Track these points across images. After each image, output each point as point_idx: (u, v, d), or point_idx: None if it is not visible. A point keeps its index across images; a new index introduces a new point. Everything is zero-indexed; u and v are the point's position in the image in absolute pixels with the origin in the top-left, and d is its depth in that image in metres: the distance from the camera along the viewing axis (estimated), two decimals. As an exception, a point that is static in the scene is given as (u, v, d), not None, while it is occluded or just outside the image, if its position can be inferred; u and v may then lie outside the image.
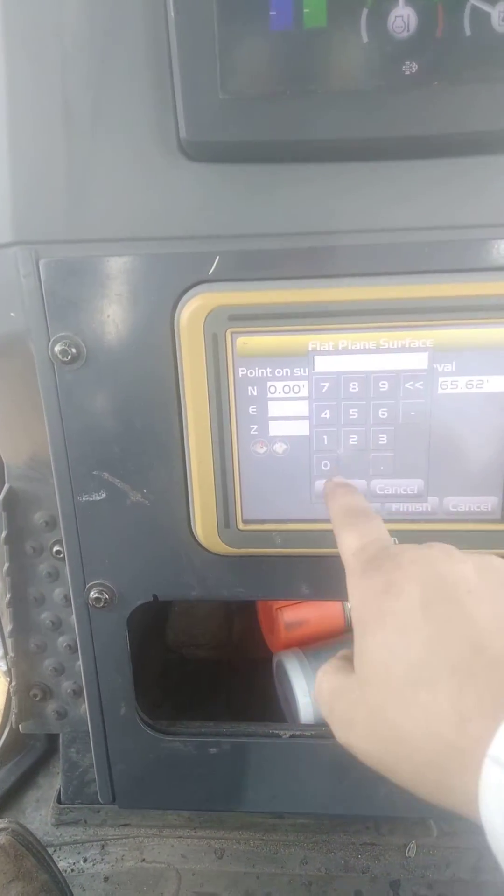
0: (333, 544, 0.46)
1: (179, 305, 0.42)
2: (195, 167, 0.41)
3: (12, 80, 0.41)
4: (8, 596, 0.63)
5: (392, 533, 0.45)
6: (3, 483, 0.61)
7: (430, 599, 0.28)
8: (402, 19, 0.36)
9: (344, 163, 0.40)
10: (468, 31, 0.36)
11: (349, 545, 0.34)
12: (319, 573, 0.48)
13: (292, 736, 0.54)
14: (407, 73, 0.37)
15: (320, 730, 0.55)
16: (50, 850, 0.67)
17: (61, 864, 0.74)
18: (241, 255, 0.41)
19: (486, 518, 0.44)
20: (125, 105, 0.40)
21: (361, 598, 0.31)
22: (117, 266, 0.42)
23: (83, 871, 0.76)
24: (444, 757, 0.25)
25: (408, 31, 0.36)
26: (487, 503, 0.44)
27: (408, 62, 0.37)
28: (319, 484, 0.45)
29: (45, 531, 0.62)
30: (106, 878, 0.75)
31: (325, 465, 0.45)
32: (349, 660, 0.32)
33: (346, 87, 0.37)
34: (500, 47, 0.36)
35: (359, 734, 0.29)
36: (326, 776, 0.55)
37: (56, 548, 0.62)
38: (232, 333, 0.42)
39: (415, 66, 0.37)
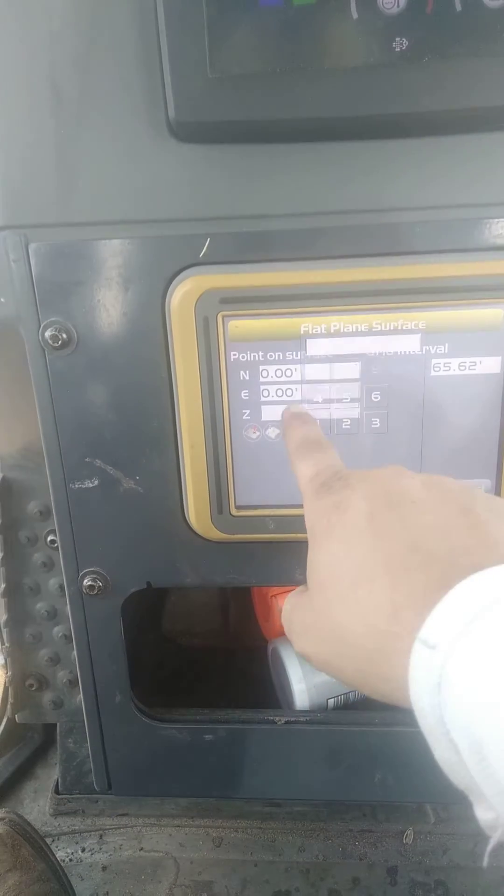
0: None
1: (170, 289, 0.42)
2: (185, 148, 0.40)
3: (0, 62, 0.40)
4: (2, 586, 0.63)
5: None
6: (-3, 473, 0.60)
7: (376, 509, 0.29)
8: None
9: (335, 142, 0.40)
10: (459, 7, 0.35)
11: (304, 472, 0.35)
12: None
13: (287, 722, 0.54)
14: (397, 49, 0.36)
15: (315, 716, 0.55)
16: (48, 841, 0.67)
17: (59, 854, 0.75)
18: (232, 237, 0.41)
19: (480, 501, 0.44)
20: (114, 87, 0.40)
21: (313, 516, 0.32)
22: (107, 250, 0.42)
23: (81, 861, 0.77)
24: (381, 645, 0.26)
25: (398, 7, 0.36)
26: (481, 485, 0.44)
27: (398, 38, 0.36)
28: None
29: (39, 521, 0.61)
30: (104, 868, 0.76)
31: (319, 449, 0.45)
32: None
33: (337, 65, 0.37)
34: (491, 23, 0.35)
35: (310, 640, 0.31)
36: (322, 762, 0.55)
37: (50, 537, 0.61)
38: (223, 317, 0.42)
39: (405, 43, 0.36)
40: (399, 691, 0.25)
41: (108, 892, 0.74)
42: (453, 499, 0.30)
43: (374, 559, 0.28)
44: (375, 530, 0.29)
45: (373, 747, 0.54)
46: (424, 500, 0.30)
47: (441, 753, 0.24)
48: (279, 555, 0.48)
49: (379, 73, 0.37)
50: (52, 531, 0.60)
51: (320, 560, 0.30)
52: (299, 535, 0.47)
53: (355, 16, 0.36)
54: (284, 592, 0.61)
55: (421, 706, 0.23)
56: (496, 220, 0.39)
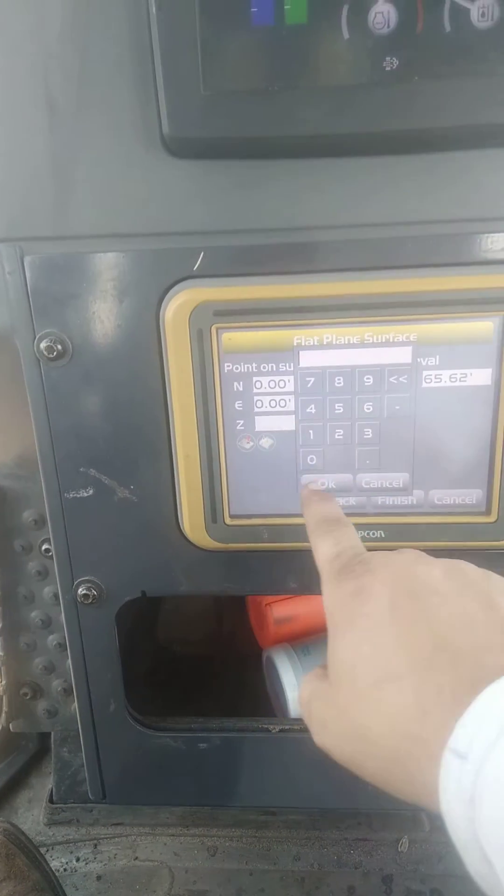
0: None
1: (164, 301, 0.42)
2: (179, 163, 0.41)
3: None
4: (-3, 595, 0.63)
5: (378, 526, 0.46)
6: (-8, 481, 0.60)
7: (398, 601, 0.29)
8: (383, 15, 0.36)
9: (326, 158, 0.40)
10: (448, 27, 0.36)
11: (324, 552, 0.35)
12: (307, 567, 0.48)
13: (281, 730, 0.54)
14: (388, 68, 0.37)
15: (309, 724, 0.55)
16: (42, 850, 0.67)
17: (54, 864, 0.74)
18: (226, 251, 0.42)
19: (471, 511, 0.45)
20: (108, 102, 0.40)
21: (334, 602, 0.32)
22: (102, 262, 0.42)
23: (76, 871, 0.76)
24: (407, 750, 0.26)
25: (388, 27, 0.36)
26: (472, 496, 0.44)
27: (388, 58, 0.37)
28: (306, 478, 0.46)
29: (33, 530, 0.61)
30: (99, 877, 0.75)
31: (312, 459, 0.45)
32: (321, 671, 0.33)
33: (328, 83, 0.38)
34: (479, 43, 0.36)
35: (331, 734, 0.30)
36: (316, 770, 0.55)
37: (45, 546, 0.62)
38: (217, 329, 0.42)
39: (395, 62, 0.37)
40: (427, 797, 0.25)
41: (102, 902, 0.73)
42: (476, 590, 0.29)
43: (399, 656, 0.27)
44: (399, 624, 0.28)
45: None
46: (447, 592, 0.29)
47: (475, 867, 0.23)
48: (273, 563, 0.49)
49: (369, 92, 0.37)
50: (47, 540, 0.61)
51: (342, 651, 0.30)
52: (293, 545, 0.47)
53: (346, 35, 0.37)
54: (279, 601, 0.62)
55: (452, 817, 0.23)
56: (486, 234, 0.40)
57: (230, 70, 0.38)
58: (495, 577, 0.31)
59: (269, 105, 0.38)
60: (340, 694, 0.29)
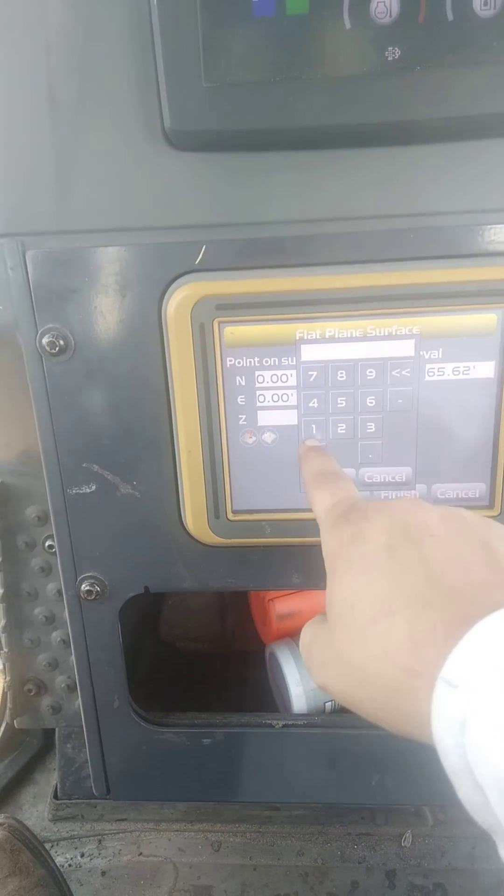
0: (323, 533, 0.47)
1: (166, 296, 0.42)
2: (180, 156, 0.41)
3: None
4: (1, 591, 0.63)
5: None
6: (-5, 478, 0.60)
7: (394, 543, 0.30)
8: (384, 5, 0.36)
9: (328, 150, 0.40)
10: (450, 16, 0.36)
11: (321, 502, 0.36)
12: (310, 562, 0.48)
13: (285, 725, 0.54)
14: (390, 58, 0.37)
15: (312, 719, 0.55)
16: (47, 846, 0.67)
17: (58, 860, 0.75)
18: (228, 245, 0.41)
19: (475, 504, 0.44)
20: (110, 95, 0.40)
21: (332, 548, 0.32)
22: (104, 257, 0.42)
23: (80, 866, 0.76)
24: (401, 683, 0.26)
25: (390, 16, 0.36)
26: (475, 490, 0.44)
27: (390, 48, 0.36)
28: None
29: (37, 526, 0.61)
30: (103, 873, 0.76)
31: (314, 454, 0.45)
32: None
33: (330, 74, 0.37)
34: (481, 32, 0.36)
35: (329, 673, 0.31)
36: (319, 765, 0.55)
37: (48, 542, 0.62)
38: (219, 323, 0.42)
39: (397, 52, 0.37)
40: (421, 728, 0.25)
41: (107, 897, 0.73)
42: (472, 533, 0.30)
43: (394, 594, 0.28)
44: (395, 564, 0.29)
45: (370, 750, 0.55)
46: (443, 535, 0.30)
47: (465, 794, 0.23)
48: (276, 559, 0.49)
49: (372, 82, 0.37)
50: (51, 536, 0.61)
51: (339, 593, 0.30)
52: (295, 540, 0.47)
53: (348, 25, 0.36)
54: (281, 596, 0.61)
55: (444, 746, 0.23)
56: (489, 226, 0.40)
57: (232, 62, 0.38)
58: (496, 524, 0.31)
59: (271, 97, 0.38)
60: (338, 633, 0.30)
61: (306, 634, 0.34)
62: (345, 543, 0.31)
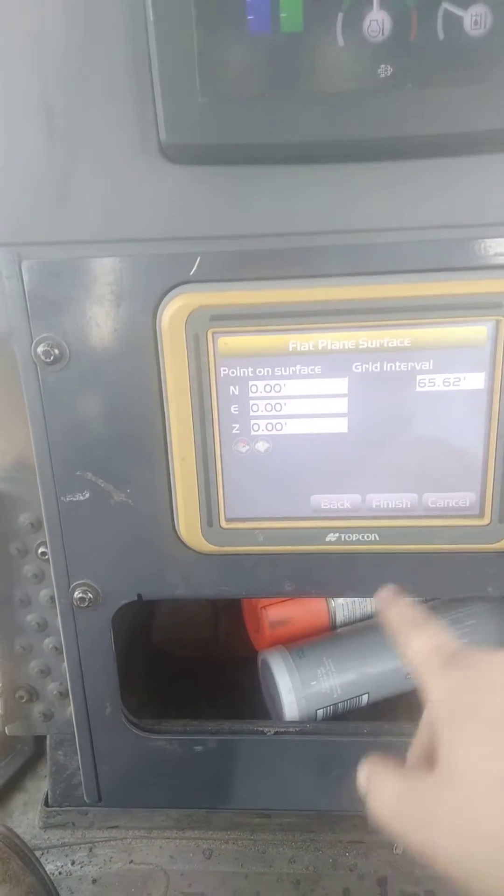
0: (315, 542, 0.47)
1: (161, 306, 0.43)
2: (176, 169, 0.41)
3: None
4: (-7, 597, 0.63)
5: (372, 530, 0.46)
6: (-12, 485, 0.61)
7: None
8: (377, 23, 0.37)
9: (322, 164, 0.40)
10: (441, 35, 0.36)
11: (422, 646, 0.34)
12: (302, 570, 0.49)
13: (276, 732, 0.54)
14: (382, 76, 0.37)
15: (304, 726, 0.55)
16: (38, 854, 0.67)
17: (49, 867, 0.74)
18: (223, 256, 0.42)
19: (465, 514, 0.45)
20: (106, 108, 0.41)
21: (447, 692, 0.30)
22: (99, 267, 0.42)
23: (71, 874, 0.76)
24: None
25: (382, 34, 0.37)
26: (466, 499, 0.45)
27: (383, 65, 0.37)
28: (301, 483, 0.46)
29: (30, 533, 0.62)
30: (94, 881, 0.75)
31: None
32: (397, 767, 0.32)
33: (323, 91, 0.38)
34: (472, 50, 0.36)
35: (443, 834, 0.28)
36: (311, 772, 0.55)
37: (41, 549, 0.62)
38: (213, 333, 0.43)
39: (390, 69, 0.37)
40: None
41: (97, 906, 0.73)
42: None
43: None
44: None
45: (362, 757, 0.55)
46: None
47: None
48: (269, 566, 0.49)
49: (364, 99, 0.38)
50: (43, 543, 0.61)
51: (463, 745, 0.28)
52: (288, 548, 0.48)
53: (341, 43, 0.37)
54: (274, 604, 0.62)
55: None
56: (480, 240, 0.41)
57: (227, 77, 0.38)
58: None
59: (265, 112, 0.38)
60: (460, 787, 0.28)
61: (388, 789, 0.31)
62: (465, 690, 0.30)
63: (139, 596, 0.50)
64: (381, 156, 0.40)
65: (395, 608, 0.38)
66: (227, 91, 0.38)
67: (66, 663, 0.53)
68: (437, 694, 0.31)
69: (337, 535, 0.47)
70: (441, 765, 0.29)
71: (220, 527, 0.47)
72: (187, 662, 0.73)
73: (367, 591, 0.50)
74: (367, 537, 0.46)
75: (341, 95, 0.38)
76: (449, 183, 0.41)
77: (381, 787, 0.32)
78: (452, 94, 0.37)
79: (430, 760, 0.31)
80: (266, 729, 0.54)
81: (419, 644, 0.34)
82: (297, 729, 0.54)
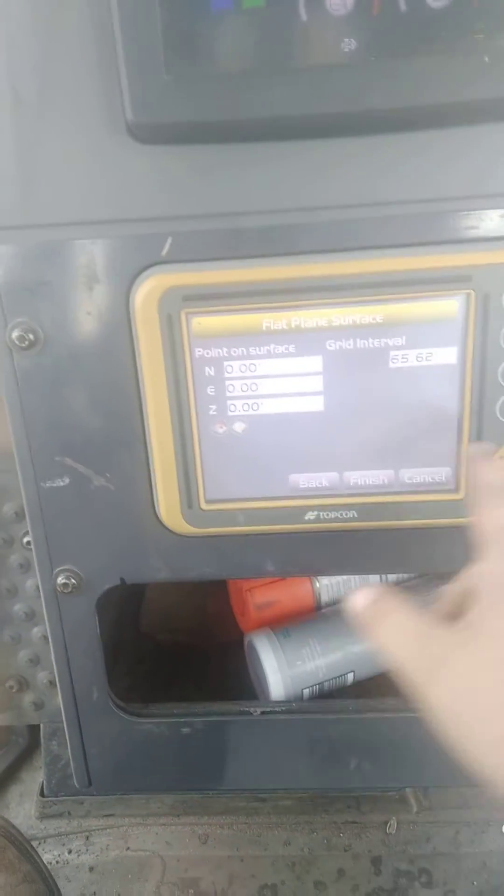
0: (295, 521, 0.47)
1: (134, 288, 0.43)
2: (143, 149, 0.41)
3: None
4: (-21, 588, 0.63)
5: (350, 507, 0.46)
6: (-29, 475, 0.60)
7: None
8: None
9: (288, 141, 0.40)
10: (403, 8, 0.36)
11: (499, 516, 0.33)
12: (283, 549, 0.49)
13: (263, 713, 0.54)
14: (346, 49, 0.37)
15: (290, 706, 0.55)
16: (34, 844, 0.67)
17: (46, 857, 0.75)
18: (194, 236, 0.42)
19: (441, 489, 0.45)
20: (72, 89, 0.41)
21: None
22: (70, 250, 0.42)
23: (68, 863, 0.77)
24: None
25: (345, 8, 0.37)
26: (441, 474, 0.45)
27: (346, 39, 0.37)
28: (278, 462, 0.46)
29: (14, 522, 0.62)
30: (91, 868, 0.76)
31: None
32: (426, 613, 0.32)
33: (287, 66, 0.38)
34: (434, 23, 0.36)
35: (450, 679, 0.28)
36: (299, 751, 0.56)
37: (26, 539, 0.62)
38: (187, 314, 0.43)
39: (353, 43, 0.37)
40: None
41: (95, 893, 0.74)
42: None
43: None
44: None
45: (348, 734, 0.55)
46: None
47: None
48: (250, 547, 0.49)
49: (329, 74, 0.38)
50: (28, 532, 0.61)
51: (500, 614, 0.29)
52: (268, 528, 0.48)
53: (304, 18, 0.37)
54: (259, 587, 0.62)
55: None
56: (448, 213, 0.41)
57: (191, 55, 0.38)
58: None
59: (230, 89, 0.38)
60: (490, 649, 0.28)
61: (411, 622, 0.31)
62: None
63: (122, 580, 0.50)
64: (348, 131, 0.40)
65: (490, 472, 0.37)
66: (192, 68, 0.38)
67: (52, 650, 0.53)
68: (494, 564, 0.31)
69: (316, 513, 0.47)
70: (472, 625, 0.29)
71: (200, 508, 0.47)
72: (176, 647, 0.73)
73: (348, 568, 0.51)
74: (346, 514, 0.46)
75: (306, 70, 0.38)
76: (416, 157, 0.40)
77: (395, 618, 0.32)
78: (416, 66, 0.37)
79: (453, 620, 0.30)
80: (253, 709, 0.54)
81: (500, 514, 0.33)
82: (284, 708, 0.55)
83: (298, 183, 0.41)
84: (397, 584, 0.64)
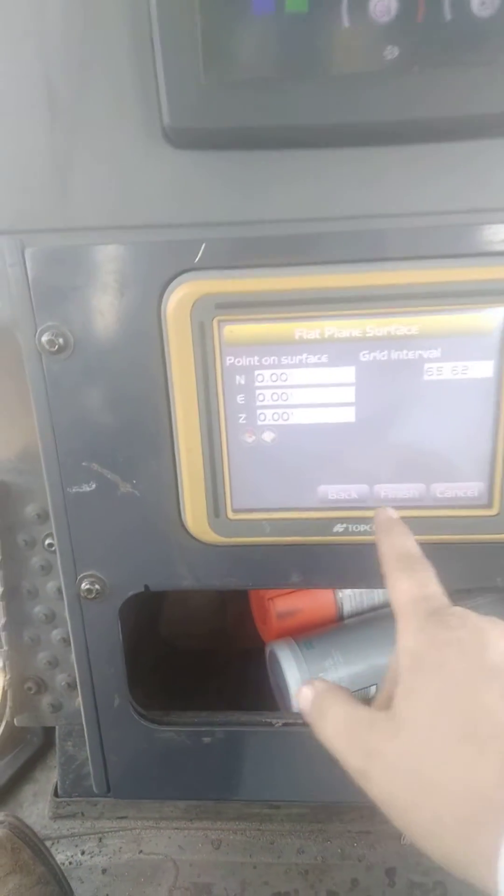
0: (323, 532, 0.47)
1: (166, 294, 0.42)
2: (179, 154, 0.41)
3: None
4: (1, 589, 0.63)
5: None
6: (-6, 476, 0.60)
7: (498, 666, 0.29)
8: (384, 4, 0.36)
9: (327, 148, 0.40)
10: (448, 16, 0.36)
11: (407, 590, 0.34)
12: (310, 561, 0.48)
13: (285, 724, 0.54)
14: (388, 57, 0.37)
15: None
16: (48, 844, 0.67)
17: (59, 858, 0.75)
18: (228, 243, 0.41)
19: (473, 504, 0.45)
20: (109, 92, 0.40)
21: (423, 643, 0.31)
22: (103, 255, 0.42)
23: (81, 864, 0.77)
24: (475, 813, 0.25)
25: (389, 15, 0.36)
26: (474, 489, 0.44)
27: (389, 47, 0.36)
28: (308, 473, 0.45)
29: (37, 524, 0.61)
30: (104, 871, 0.76)
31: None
32: (354, 697, 0.33)
33: (328, 73, 0.37)
34: (479, 32, 0.36)
35: (381, 768, 0.29)
36: (320, 764, 0.55)
37: (48, 541, 0.62)
38: (219, 322, 0.42)
39: (396, 51, 0.36)
40: (481, 869, 0.24)
41: (107, 895, 0.74)
42: None
43: (490, 719, 0.27)
44: (494, 691, 0.28)
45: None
46: None
47: None
48: (276, 557, 0.49)
49: (370, 81, 0.37)
50: (50, 535, 0.61)
51: (424, 695, 0.29)
52: (295, 539, 0.47)
53: (346, 24, 0.36)
54: (281, 595, 0.62)
55: None
56: (488, 225, 0.40)
57: (231, 59, 0.38)
58: None
59: (269, 94, 0.38)
60: (411, 734, 0.29)
61: (340, 709, 0.33)
62: (440, 645, 0.30)
63: (146, 587, 0.50)
64: (388, 139, 0.39)
65: (392, 538, 0.37)
66: (230, 73, 0.38)
67: (73, 655, 0.53)
68: (408, 642, 0.32)
69: (344, 525, 0.46)
70: (395, 708, 0.30)
71: (227, 517, 0.47)
72: (194, 654, 0.73)
73: (375, 582, 0.50)
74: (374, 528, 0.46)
75: (347, 78, 0.37)
76: (457, 167, 0.40)
77: (331, 706, 0.33)
78: (460, 76, 0.37)
79: (387, 705, 0.31)
80: (274, 720, 0.54)
81: (407, 587, 0.34)
82: (306, 720, 0.54)
83: (335, 192, 0.41)
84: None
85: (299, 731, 0.54)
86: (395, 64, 0.37)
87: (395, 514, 0.40)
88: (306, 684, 0.36)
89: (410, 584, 0.34)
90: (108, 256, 0.42)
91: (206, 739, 0.55)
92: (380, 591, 0.62)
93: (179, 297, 0.42)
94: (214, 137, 0.40)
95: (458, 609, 0.33)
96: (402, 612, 0.33)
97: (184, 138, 0.40)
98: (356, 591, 0.62)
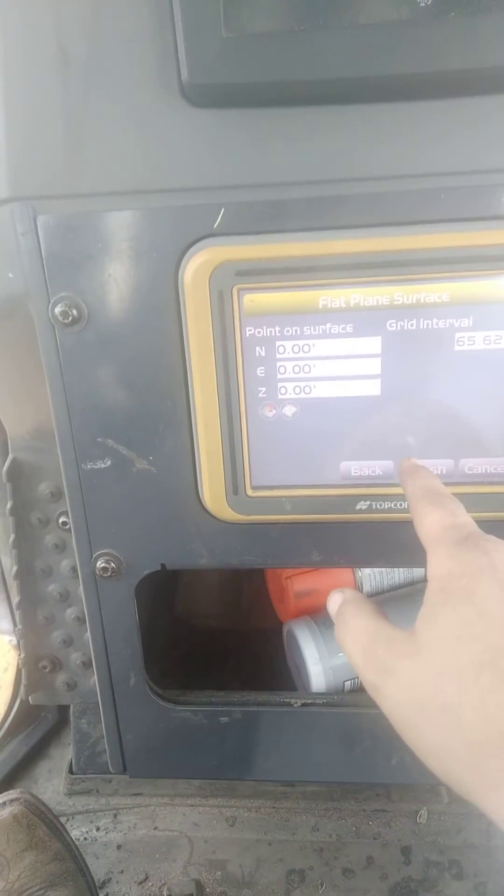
0: (344, 510, 0.45)
1: (183, 261, 0.40)
2: (198, 113, 0.39)
3: (3, 27, 0.38)
4: (15, 568, 0.62)
5: (404, 497, 0.44)
6: (7, 454, 0.59)
7: None
8: None
9: (354, 105, 0.38)
10: None
11: (436, 519, 0.33)
12: (330, 539, 0.47)
13: (304, 704, 0.53)
14: (422, 4, 0.34)
15: (332, 698, 0.54)
16: (63, 820, 0.67)
17: (74, 833, 0.75)
18: (248, 207, 0.39)
19: (503, 481, 0.43)
20: (123, 49, 0.38)
21: (454, 569, 0.30)
22: (118, 221, 0.40)
23: (96, 840, 0.77)
24: (488, 739, 0.25)
25: None
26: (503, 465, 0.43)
27: None
28: (330, 449, 0.44)
29: (50, 502, 0.60)
30: (119, 846, 0.76)
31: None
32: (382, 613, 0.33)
33: (357, 22, 0.35)
34: None
35: (394, 686, 0.29)
36: (338, 744, 0.54)
37: (62, 519, 0.61)
38: (239, 290, 0.41)
39: (431, -3, 0.34)
40: (483, 791, 0.24)
41: (122, 871, 0.74)
42: None
43: None
44: None
45: (390, 729, 0.54)
46: None
47: None
48: (295, 536, 0.47)
49: (402, 31, 0.35)
50: (64, 513, 0.60)
51: (449, 620, 0.29)
52: (316, 517, 0.46)
53: (378, -32, 0.34)
54: (298, 574, 0.60)
55: None
56: None
57: (253, 10, 0.35)
58: None
59: (294, 47, 0.36)
60: (429, 660, 0.28)
61: (363, 623, 0.32)
62: (472, 572, 0.29)
63: (163, 566, 0.49)
64: (421, 94, 0.37)
65: (417, 479, 0.37)
66: (252, 25, 0.35)
67: (89, 634, 0.52)
68: (438, 568, 0.31)
69: (368, 503, 0.45)
70: (417, 629, 0.30)
71: (246, 495, 0.46)
72: (210, 632, 0.72)
73: (398, 561, 0.49)
74: (400, 505, 0.44)
75: (377, 27, 0.35)
76: (492, 122, 0.38)
77: (354, 616, 0.33)
78: (498, 24, 0.34)
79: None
80: (293, 700, 0.53)
81: (437, 517, 0.33)
82: (325, 701, 0.53)
83: (363, 150, 0.39)
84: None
85: (318, 712, 0.53)
86: (429, 11, 0.34)
87: (416, 461, 0.40)
88: (337, 590, 0.36)
89: (441, 514, 0.33)
90: (123, 223, 0.40)
91: (224, 719, 0.54)
92: (400, 570, 0.60)
93: (198, 265, 0.40)
94: (236, 94, 0.38)
95: (493, 537, 0.32)
96: (431, 541, 0.32)
97: (204, 96, 0.38)
98: (376, 570, 0.61)
